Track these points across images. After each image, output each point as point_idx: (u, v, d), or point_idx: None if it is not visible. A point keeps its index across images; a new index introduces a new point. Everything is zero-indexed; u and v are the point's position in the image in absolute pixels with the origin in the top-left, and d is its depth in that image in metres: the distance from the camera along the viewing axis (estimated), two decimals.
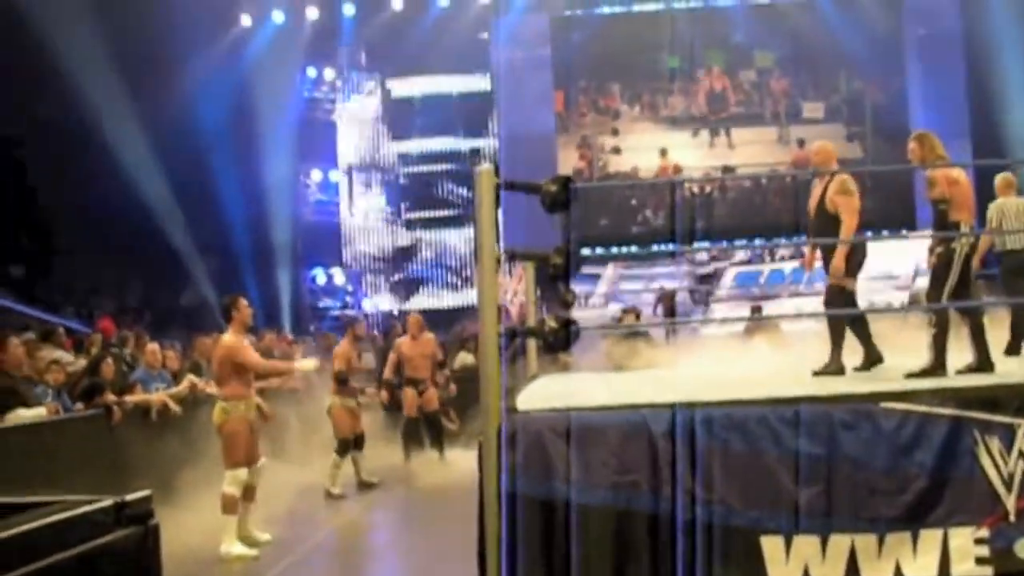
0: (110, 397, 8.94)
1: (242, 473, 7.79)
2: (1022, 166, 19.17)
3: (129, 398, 9.24)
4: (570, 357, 9.62)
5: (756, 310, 15.73)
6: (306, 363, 8.50)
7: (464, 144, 22.90)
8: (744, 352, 9.71)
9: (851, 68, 23.76)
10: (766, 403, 5.12)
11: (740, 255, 21.03)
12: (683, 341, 11.31)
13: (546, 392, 6.49)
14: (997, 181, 9.03)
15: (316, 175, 22.53)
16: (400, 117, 23.06)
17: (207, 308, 19.88)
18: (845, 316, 6.83)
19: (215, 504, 7.82)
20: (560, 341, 5.35)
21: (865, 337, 6.89)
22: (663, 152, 23.31)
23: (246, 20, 21.43)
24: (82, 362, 10.36)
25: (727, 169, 23.09)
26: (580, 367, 8.85)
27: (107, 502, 3.52)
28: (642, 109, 23.98)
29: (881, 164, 21.60)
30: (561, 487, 4.96)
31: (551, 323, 5.43)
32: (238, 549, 7.62)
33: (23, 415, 8.02)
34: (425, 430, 11.82)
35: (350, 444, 10.33)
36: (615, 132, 23.64)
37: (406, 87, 22.95)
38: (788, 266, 19.36)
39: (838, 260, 6.86)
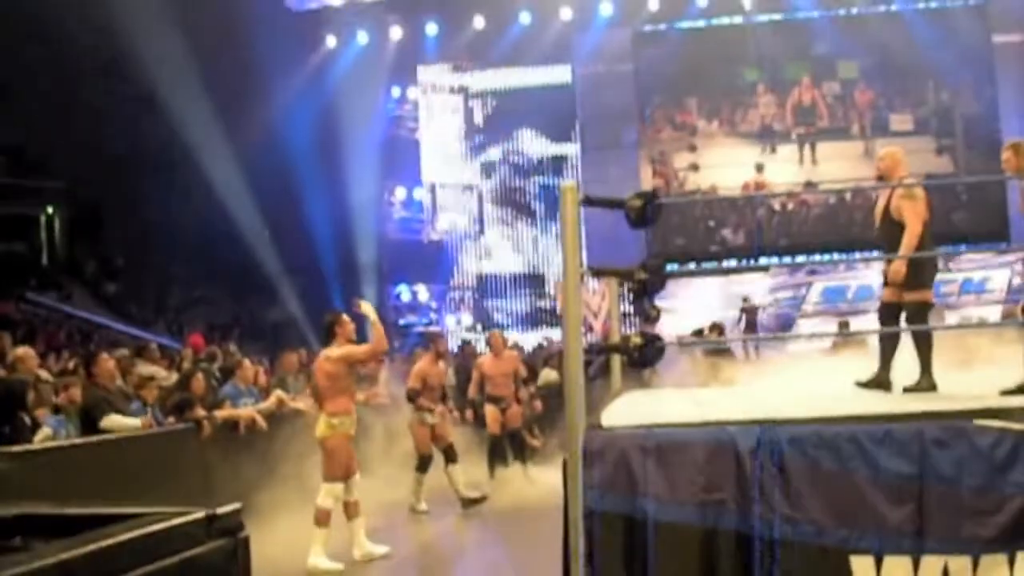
0: (200, 412, 9.12)
1: (339, 487, 7.88)
2: None
3: (218, 413, 9.42)
4: (654, 373, 9.57)
5: (843, 325, 15.48)
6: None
7: (547, 155, 22.93)
8: (831, 368, 9.55)
9: (939, 78, 23.07)
10: (855, 420, 5.03)
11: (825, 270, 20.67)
12: (768, 356, 11.17)
13: (630, 409, 6.46)
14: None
15: (400, 193, 22.77)
16: (483, 133, 23.20)
17: (293, 325, 20.21)
18: (915, 332, 6.59)
19: (300, 519, 7.92)
20: (645, 357, 5.33)
21: (927, 358, 6.61)
22: (759, 167, 22.90)
23: (331, 42, 21.78)
24: (174, 377, 10.59)
25: (809, 184, 22.55)
26: (664, 383, 8.80)
27: (199, 514, 3.58)
28: (720, 124, 23.54)
29: (973, 176, 21.10)
30: (646, 505, 4.93)
31: (635, 339, 5.40)
32: (324, 563, 7.69)
33: (118, 421, 8.23)
34: (509, 447, 11.83)
35: (428, 460, 10.31)
36: (692, 148, 23.27)
37: (488, 104, 23.08)
38: (876, 280, 19.03)
39: (898, 266, 6.63)
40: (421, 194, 22.92)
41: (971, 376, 8.10)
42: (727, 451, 4.95)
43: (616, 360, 7.91)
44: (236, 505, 3.75)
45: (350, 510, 8.06)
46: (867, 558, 4.83)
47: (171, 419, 9.09)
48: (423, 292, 22.52)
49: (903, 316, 6.75)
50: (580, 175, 21.83)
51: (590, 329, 18.18)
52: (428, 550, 8.55)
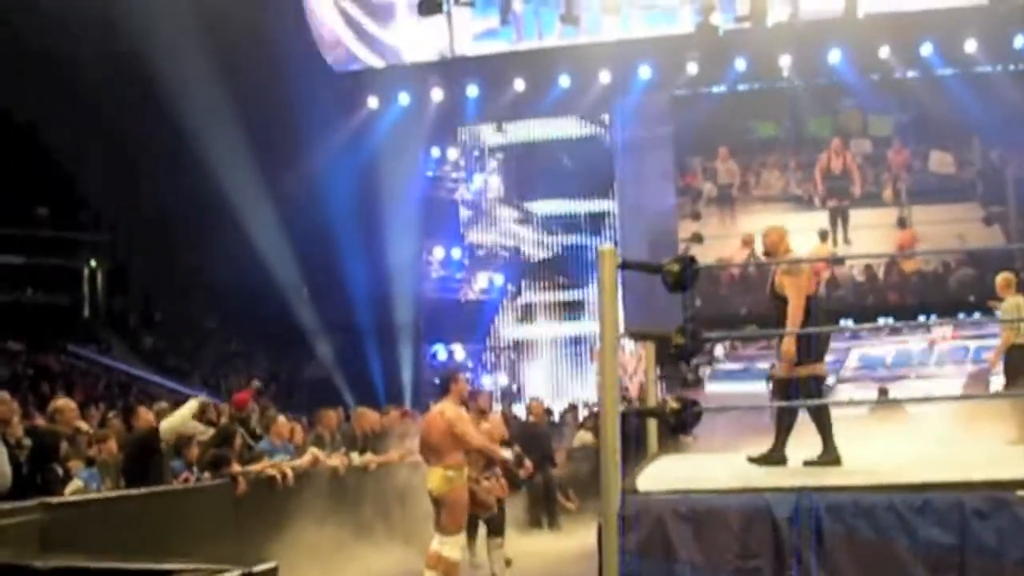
0: (236, 468, 9.15)
1: (463, 538, 7.85)
2: None
3: (252, 468, 9.44)
4: (689, 437, 9.52)
5: (883, 392, 15.34)
6: (506, 453, 8.42)
7: (586, 213, 23.00)
8: (869, 435, 9.45)
9: (985, 138, 21.35)
10: (894, 489, 4.98)
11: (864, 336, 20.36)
12: (804, 422, 11.05)
13: (666, 473, 6.43)
14: (1000, 281, 9.05)
15: (439, 252, 22.91)
16: (521, 194, 23.36)
17: (330, 382, 20.30)
18: (811, 406, 6.62)
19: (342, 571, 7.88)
20: (682, 422, 5.32)
21: (827, 431, 6.65)
22: (823, 234, 21.25)
23: (373, 103, 22.11)
24: (211, 431, 10.64)
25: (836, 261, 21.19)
26: (701, 448, 8.75)
27: (236, 572, 3.59)
28: (739, 189, 22.30)
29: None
30: (682, 571, 4.90)
31: (672, 404, 5.40)
32: None
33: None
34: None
35: (472, 524, 9.56)
36: (696, 216, 22.03)
37: (527, 162, 23.29)
38: (915, 347, 18.88)
39: (787, 345, 6.69)
40: (459, 254, 23.06)
41: (1017, 447, 7.99)
42: (763, 518, 4.92)
43: (652, 424, 7.88)
44: (272, 564, 3.76)
45: (433, 561, 8.07)
46: None
47: (207, 474, 9.13)
48: (459, 351, 22.57)
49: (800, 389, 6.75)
50: (618, 236, 21.86)
51: (625, 391, 18.13)
52: None
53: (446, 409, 8.01)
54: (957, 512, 4.85)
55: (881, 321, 19.74)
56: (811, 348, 6.75)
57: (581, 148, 23.09)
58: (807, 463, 6.53)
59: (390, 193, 21.08)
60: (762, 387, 18.00)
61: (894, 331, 19.53)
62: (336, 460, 10.50)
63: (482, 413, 10.36)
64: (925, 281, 21.33)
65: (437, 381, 8.59)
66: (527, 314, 23.11)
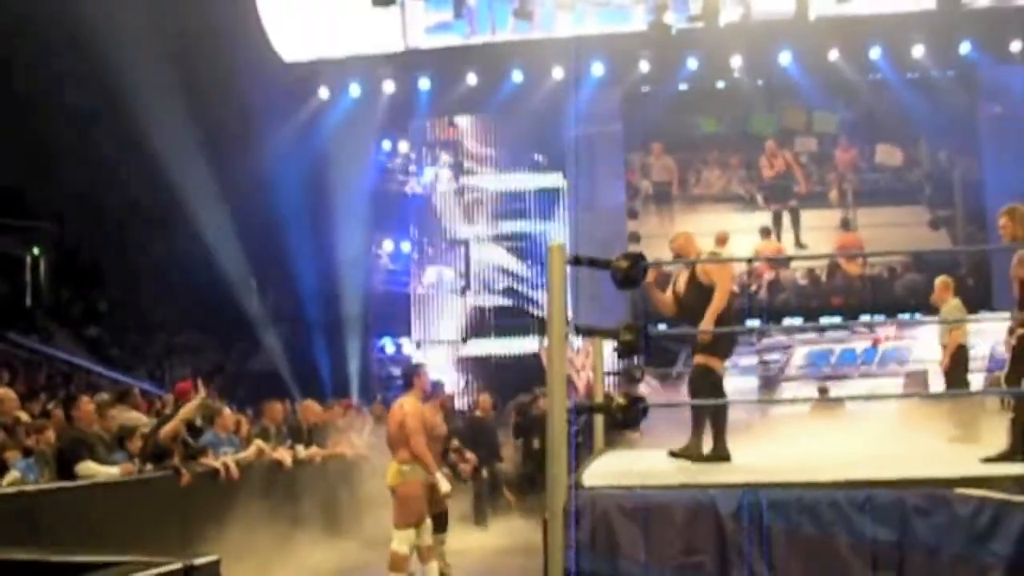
0: (178, 460, 9.04)
1: (412, 533, 7.82)
2: None
3: (203, 461, 9.34)
4: (636, 433, 9.56)
5: (823, 391, 15.50)
6: (444, 485, 8.31)
7: (536, 226, 22.94)
8: (812, 433, 9.55)
9: (932, 140, 21.45)
10: (837, 486, 5.04)
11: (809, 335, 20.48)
12: (749, 420, 11.14)
13: (612, 469, 6.46)
14: (939, 285, 9.25)
15: (388, 245, 22.78)
16: (472, 199, 23.29)
17: (276, 374, 20.15)
18: (706, 404, 6.72)
19: (284, 570, 7.82)
20: (629, 418, 5.34)
21: (720, 430, 6.77)
22: (765, 231, 21.25)
23: (324, 94, 21.94)
24: (154, 423, 10.51)
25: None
26: (646, 444, 8.78)
27: (175, 565, 3.54)
28: (679, 187, 22.15)
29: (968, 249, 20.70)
30: (627, 565, 4.91)
31: (619, 400, 5.42)
32: None
33: (93, 468, 8.16)
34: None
35: (440, 519, 9.12)
36: (633, 215, 21.96)
37: (479, 179, 23.23)
38: (860, 346, 19.08)
39: (706, 324, 6.75)
40: (408, 248, 22.95)
41: (956, 445, 8.12)
42: (708, 514, 4.96)
43: (598, 420, 7.91)
44: (214, 557, 3.71)
45: (424, 555, 8.03)
46: None
47: (149, 466, 9.02)
48: (407, 345, 22.48)
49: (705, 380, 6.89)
50: (569, 232, 21.86)
51: (572, 387, 18.17)
52: None
53: (405, 403, 8.02)
54: (898, 509, 4.92)
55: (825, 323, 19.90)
56: (718, 343, 6.84)
57: (534, 151, 23.06)
58: (672, 453, 6.60)
59: (340, 185, 20.94)
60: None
61: (838, 331, 19.69)
62: (281, 453, 10.43)
63: (443, 407, 10.30)
64: (870, 285, 21.46)
65: (400, 375, 8.60)
66: (475, 310, 23.02)
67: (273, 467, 10.14)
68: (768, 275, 21.38)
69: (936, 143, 21.77)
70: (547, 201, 22.92)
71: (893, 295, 20.88)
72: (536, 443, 13.48)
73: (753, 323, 20.07)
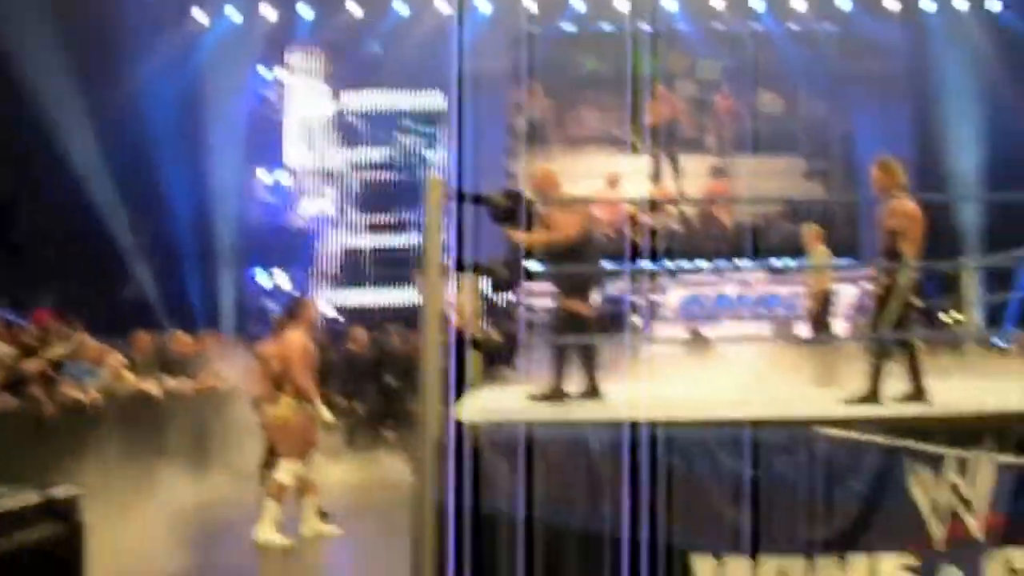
0: (38, 390, 8.76)
1: (297, 464, 7.72)
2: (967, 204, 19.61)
3: (65, 391, 9.06)
4: (511, 369, 9.61)
5: (694, 333, 15.84)
6: (326, 415, 8.21)
7: (416, 151, 22.71)
8: (683, 374, 9.75)
9: (811, 92, 21.63)
10: (705, 425, 5.14)
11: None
12: (621, 360, 11.33)
13: (486, 404, 6.47)
14: (807, 232, 9.54)
15: (264, 176, 22.29)
16: (352, 122, 22.90)
17: (146, 305, 19.64)
18: (573, 343, 6.67)
19: (149, 503, 7.68)
20: (502, 353, 5.35)
21: (590, 367, 6.79)
22: (612, 181, 19.96)
23: (200, 17, 21.23)
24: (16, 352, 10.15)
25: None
26: (521, 380, 8.84)
27: (33, 497, 3.44)
28: (572, 126, 21.97)
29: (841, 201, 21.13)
30: (496, 500, 4.94)
31: (494, 335, 5.42)
32: (275, 538, 7.47)
33: None
34: None
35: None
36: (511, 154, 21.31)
37: (358, 98, 22.82)
38: (731, 290, 19.53)
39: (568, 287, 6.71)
40: (285, 178, 22.47)
41: (818, 387, 8.39)
42: (578, 450, 5.01)
43: (474, 355, 7.91)
44: (74, 489, 3.61)
45: (304, 488, 7.93)
46: (709, 558, 4.95)
47: (7, 396, 8.71)
48: (282, 278, 22.12)
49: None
50: (452, 170, 21.71)
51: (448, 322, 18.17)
52: (269, 553, 8.08)
53: (292, 336, 7.91)
54: (762, 447, 5.05)
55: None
56: (572, 284, 6.72)
57: (416, 87, 22.74)
58: (530, 397, 6.59)
59: (216, 113, 20.33)
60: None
61: (712, 275, 20.08)
62: (149, 385, 10.19)
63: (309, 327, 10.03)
64: (744, 233, 21.70)
65: (285, 307, 8.44)
66: (353, 243, 22.78)
67: (140, 399, 9.91)
68: (644, 218, 21.49)
69: (814, 95, 21.99)
70: (427, 136, 22.67)
71: (767, 244, 21.34)
72: (390, 379, 13.50)
73: (624, 266, 20.20)
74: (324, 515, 8.27)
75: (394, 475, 10.68)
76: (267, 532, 7.49)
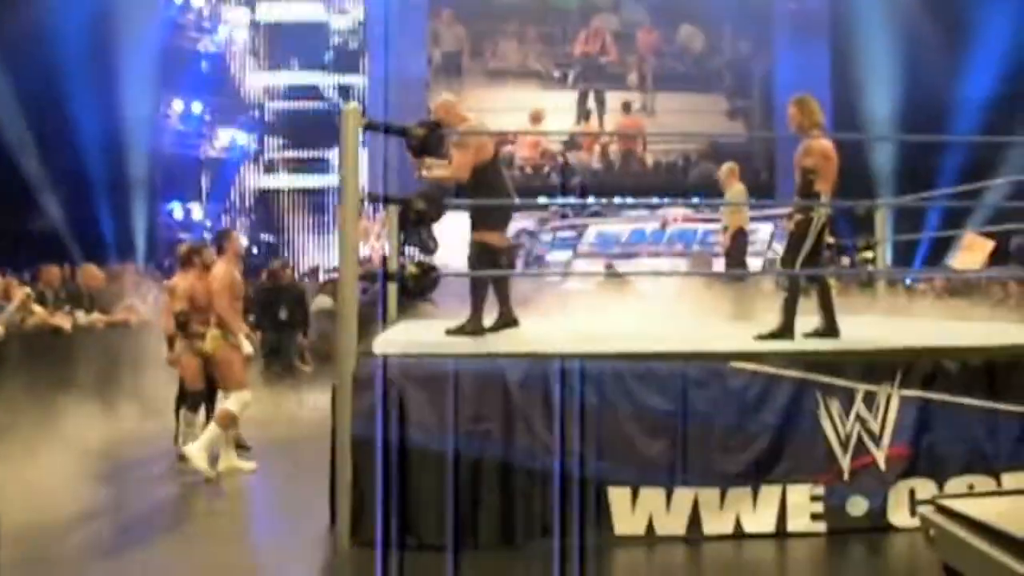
0: None
1: (247, 394, 7.59)
2: (881, 143, 19.92)
3: None
4: (431, 304, 9.59)
5: (609, 267, 15.94)
6: (247, 347, 8.07)
7: (334, 81, 22.31)
8: (600, 308, 9.83)
9: (736, 29, 21.58)
10: (621, 358, 5.19)
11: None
12: (539, 293, 11.36)
13: (404, 338, 6.45)
14: (724, 170, 9.65)
15: (178, 106, 21.71)
16: (268, 50, 22.41)
17: (56, 237, 19.14)
18: (491, 275, 6.63)
19: (57, 440, 7.52)
20: (420, 287, 5.32)
21: (504, 297, 6.80)
22: (536, 117, 20.74)
23: None
24: None
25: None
26: (439, 314, 8.82)
27: None
28: (489, 58, 21.41)
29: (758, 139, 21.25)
30: (415, 433, 4.94)
31: (412, 269, 5.38)
32: (203, 463, 7.34)
33: None
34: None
35: (198, 396, 8.43)
36: (426, 85, 20.99)
37: (275, 15, 22.32)
38: (648, 226, 19.68)
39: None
40: (199, 108, 21.95)
41: (733, 322, 8.52)
42: (496, 383, 5.03)
43: (392, 289, 7.87)
44: None
45: (224, 421, 7.83)
46: (624, 489, 5.03)
47: None
48: (197, 210, 21.73)
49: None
50: (369, 100, 21.36)
51: (367, 257, 18.05)
52: (189, 490, 7.98)
53: (217, 268, 7.76)
54: (677, 381, 5.12)
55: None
56: (487, 217, 6.62)
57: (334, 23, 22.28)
58: (448, 331, 6.57)
59: (128, 40, 19.71)
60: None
61: (631, 211, 20.20)
62: (58, 319, 9.95)
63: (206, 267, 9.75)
64: (665, 172, 21.81)
65: (211, 240, 8.25)
66: (269, 173, 22.41)
67: (49, 333, 9.67)
68: (571, 156, 21.37)
69: (740, 32, 21.95)
70: (346, 59, 22.22)
71: (686, 182, 21.49)
72: (283, 313, 13.43)
73: (540, 201, 20.15)
74: (245, 448, 8.21)
75: (304, 410, 10.67)
76: (197, 453, 7.38)
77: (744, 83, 21.89)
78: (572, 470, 4.96)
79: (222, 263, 7.82)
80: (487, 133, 6.89)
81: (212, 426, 7.46)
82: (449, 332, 6.52)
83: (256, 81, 22.25)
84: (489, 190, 6.58)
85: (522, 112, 20.52)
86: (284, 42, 22.32)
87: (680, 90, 21.62)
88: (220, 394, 7.89)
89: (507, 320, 6.76)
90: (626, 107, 21.49)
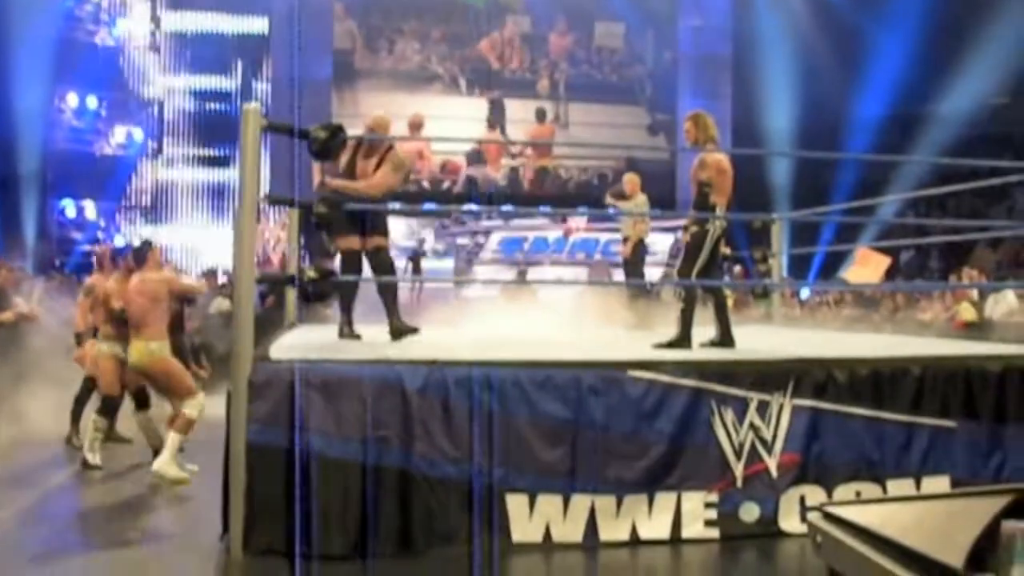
0: None
1: (201, 397, 7.36)
2: (781, 159, 20.33)
3: None
4: (330, 309, 9.50)
5: (522, 274, 16.02)
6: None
7: (236, 84, 21.94)
8: (501, 315, 9.85)
9: (660, 39, 21.02)
10: (520, 366, 5.19)
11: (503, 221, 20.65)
12: (441, 301, 11.37)
13: (301, 343, 6.38)
14: (627, 181, 9.91)
15: (72, 100, 21.12)
16: (170, 48, 21.96)
17: None
18: (378, 283, 6.85)
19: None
20: (318, 292, 5.26)
21: (390, 307, 6.88)
22: (415, 124, 20.58)
23: None
24: None
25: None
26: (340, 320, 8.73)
27: None
28: (384, 58, 20.38)
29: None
30: (312, 439, 4.88)
31: (311, 273, 5.32)
32: (175, 471, 7.13)
33: None
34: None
35: (115, 402, 8.24)
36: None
37: (179, 19, 21.89)
38: (551, 235, 19.80)
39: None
40: (95, 103, 21.38)
41: (632, 331, 8.61)
42: (394, 389, 4.99)
43: (290, 293, 7.78)
44: None
45: (148, 430, 7.70)
46: (522, 496, 5.03)
47: None
48: (91, 209, 21.15)
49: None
50: (270, 105, 21.05)
51: (267, 260, 17.80)
52: (81, 493, 7.77)
53: (151, 276, 7.51)
54: (575, 389, 5.15)
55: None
56: (343, 223, 6.58)
57: (239, 24, 21.89)
58: (392, 338, 6.63)
59: (21, 31, 19.11)
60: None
61: (534, 220, 20.24)
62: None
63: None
64: (575, 188, 20.96)
65: (126, 247, 8.08)
66: (166, 173, 21.94)
67: None
68: (474, 172, 20.74)
69: (664, 43, 21.43)
70: (250, 60, 21.86)
71: (602, 200, 21.19)
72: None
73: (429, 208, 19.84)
74: (126, 441, 8.10)
75: (208, 413, 10.43)
76: (168, 467, 7.20)
77: (668, 97, 21.14)
78: (471, 477, 4.95)
79: (152, 272, 7.60)
80: (396, 139, 6.91)
81: (173, 435, 7.27)
82: (341, 336, 6.52)
83: (156, 77, 21.76)
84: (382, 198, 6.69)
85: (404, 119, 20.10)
86: (187, 38, 21.88)
87: (597, 101, 20.76)
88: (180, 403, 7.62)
89: (404, 330, 6.74)
90: (540, 115, 20.76)
